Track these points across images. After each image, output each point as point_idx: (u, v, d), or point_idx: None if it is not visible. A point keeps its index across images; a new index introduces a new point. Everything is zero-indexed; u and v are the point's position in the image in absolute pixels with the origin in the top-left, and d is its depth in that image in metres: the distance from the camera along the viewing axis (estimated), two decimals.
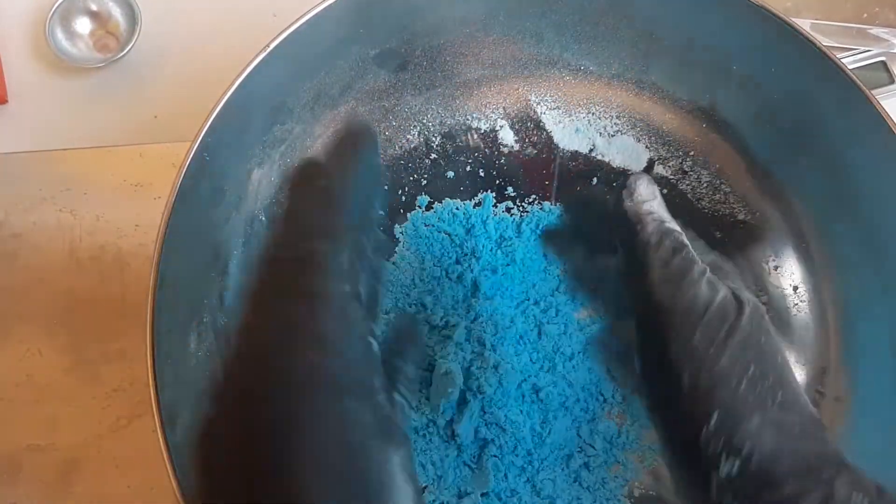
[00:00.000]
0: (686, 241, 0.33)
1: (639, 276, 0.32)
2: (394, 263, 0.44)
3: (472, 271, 0.44)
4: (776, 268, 0.41)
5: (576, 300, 0.44)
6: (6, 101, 0.47)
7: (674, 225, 0.34)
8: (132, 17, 0.46)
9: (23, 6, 0.48)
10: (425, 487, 0.40)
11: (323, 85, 0.37)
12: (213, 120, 0.31)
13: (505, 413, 0.40)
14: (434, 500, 0.39)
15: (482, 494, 0.40)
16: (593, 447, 0.41)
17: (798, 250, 0.40)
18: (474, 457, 0.41)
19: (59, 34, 0.46)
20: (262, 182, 0.36)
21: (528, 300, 0.44)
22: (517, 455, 0.40)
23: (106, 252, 0.43)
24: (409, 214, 0.44)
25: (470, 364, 0.41)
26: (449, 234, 0.45)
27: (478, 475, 0.40)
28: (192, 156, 0.30)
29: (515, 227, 0.45)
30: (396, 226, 0.44)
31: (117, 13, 0.47)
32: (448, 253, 0.45)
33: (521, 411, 0.41)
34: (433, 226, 0.45)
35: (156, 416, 0.26)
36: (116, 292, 0.41)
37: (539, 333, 0.43)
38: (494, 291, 0.44)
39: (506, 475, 0.40)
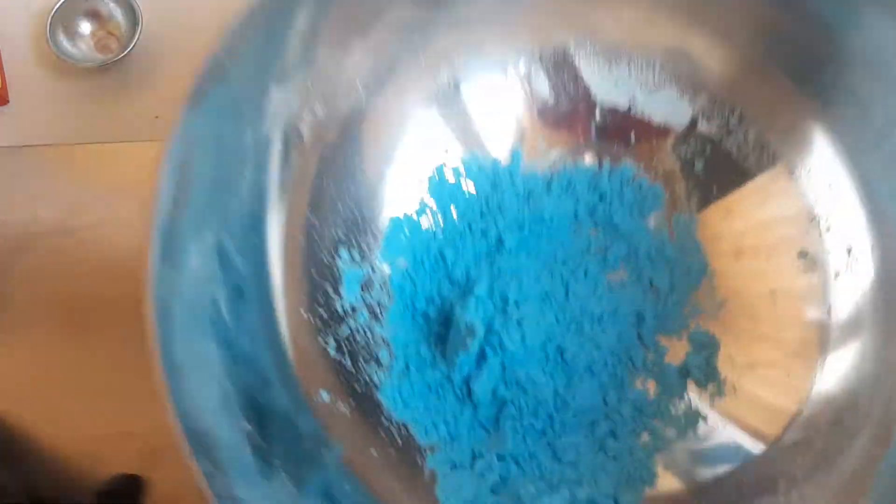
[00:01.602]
0: None
1: None
2: (414, 214, 0.41)
3: (496, 227, 0.42)
4: (829, 228, 0.38)
5: (607, 261, 0.42)
6: (7, 102, 0.47)
7: None
8: (133, 18, 0.46)
9: (23, 7, 0.48)
10: (436, 447, 0.37)
11: (353, 8, 0.35)
12: (235, 24, 0.30)
13: (527, 372, 0.38)
14: (445, 461, 0.36)
15: (498, 457, 0.37)
16: (621, 414, 0.39)
17: (856, 203, 0.37)
18: (491, 417, 0.38)
19: (60, 35, 0.46)
20: (282, 104, 0.34)
21: (556, 259, 0.42)
22: (538, 418, 0.38)
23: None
24: (433, 165, 0.42)
25: (491, 319, 0.38)
26: (474, 188, 0.43)
27: (494, 437, 0.38)
28: (212, 56, 0.29)
29: (545, 184, 0.43)
30: (420, 176, 0.41)
31: (118, 13, 0.47)
32: (472, 207, 0.42)
33: (545, 372, 0.38)
34: (458, 178, 0.42)
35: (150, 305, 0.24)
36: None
37: (566, 293, 0.40)
38: (520, 248, 0.42)
39: (524, 438, 0.38)
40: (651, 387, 0.39)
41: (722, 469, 0.37)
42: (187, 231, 0.29)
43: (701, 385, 0.39)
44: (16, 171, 0.46)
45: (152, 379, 0.25)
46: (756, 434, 0.37)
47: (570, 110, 0.43)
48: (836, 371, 0.37)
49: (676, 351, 0.40)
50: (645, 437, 0.38)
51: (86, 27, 0.47)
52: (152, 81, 0.48)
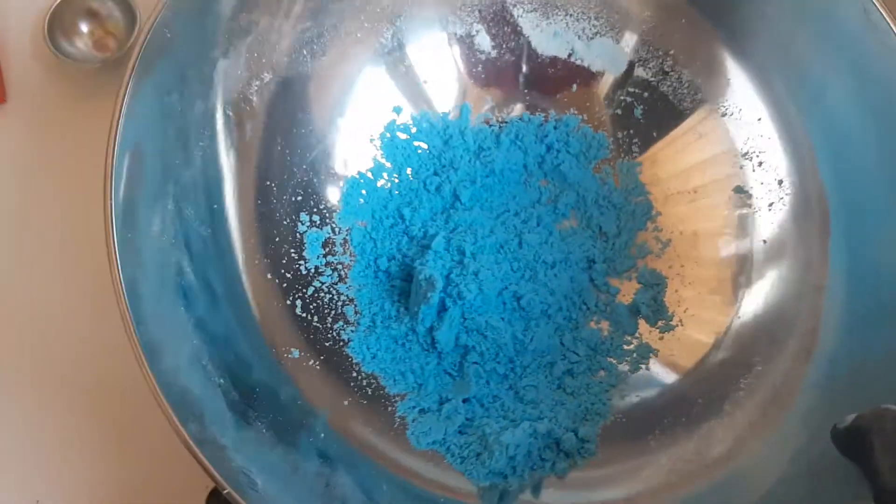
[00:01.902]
0: None
1: None
2: (370, 174, 0.42)
3: (450, 182, 0.43)
4: (761, 163, 0.40)
5: (557, 211, 0.43)
6: (5, 101, 0.47)
7: None
8: (131, 17, 0.46)
9: (21, 6, 0.48)
10: (405, 395, 0.39)
11: None
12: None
13: (486, 319, 0.39)
14: (415, 407, 0.38)
15: (464, 400, 0.39)
16: (577, 354, 0.40)
17: (783, 137, 0.39)
18: (455, 364, 0.40)
19: (58, 34, 0.46)
20: (229, 73, 0.35)
21: (508, 211, 0.43)
22: (499, 362, 0.40)
23: None
24: (384, 124, 0.43)
25: (450, 272, 0.40)
26: (426, 146, 0.44)
27: (459, 382, 0.40)
28: (151, 30, 0.29)
29: (494, 138, 0.44)
30: (371, 136, 0.43)
31: (116, 13, 0.46)
32: (426, 164, 0.44)
33: (503, 318, 0.40)
34: (409, 136, 0.43)
35: (119, 283, 0.24)
36: None
37: (520, 243, 0.42)
38: (474, 202, 0.43)
39: (488, 382, 0.39)
40: (604, 327, 0.41)
41: (665, 395, 0.40)
42: (146, 200, 0.30)
43: (650, 322, 0.41)
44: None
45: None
46: (697, 356, 0.39)
47: (513, 64, 0.44)
48: (764, 293, 0.39)
49: (626, 291, 0.42)
50: (601, 374, 0.40)
51: (84, 26, 0.47)
52: None
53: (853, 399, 0.32)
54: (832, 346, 0.34)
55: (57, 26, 0.45)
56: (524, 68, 0.44)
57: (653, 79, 0.43)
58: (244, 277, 0.36)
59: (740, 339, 0.38)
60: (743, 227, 0.41)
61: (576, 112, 0.44)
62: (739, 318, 0.39)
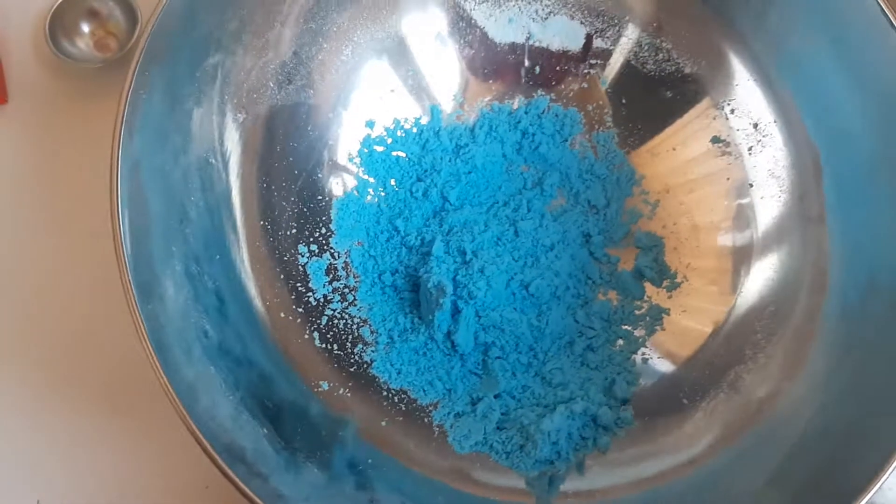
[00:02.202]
0: None
1: None
2: (356, 192, 0.42)
3: (435, 185, 0.43)
4: (732, 111, 0.41)
5: (544, 193, 0.44)
6: (6, 102, 0.46)
7: None
8: (132, 17, 0.45)
9: (22, 6, 0.48)
10: (438, 403, 0.39)
11: (246, 12, 0.36)
12: (142, 56, 0.30)
13: (500, 313, 0.40)
14: (450, 413, 0.39)
15: (495, 396, 0.39)
16: (592, 328, 0.41)
17: (751, 83, 0.40)
18: (479, 364, 0.40)
19: (59, 34, 0.45)
20: (204, 122, 0.35)
21: (497, 202, 0.44)
22: (520, 352, 0.40)
23: None
24: (359, 140, 0.43)
25: (455, 274, 0.40)
26: (405, 154, 0.44)
27: (486, 380, 0.40)
28: (127, 99, 0.29)
29: (469, 133, 0.44)
30: (350, 153, 0.42)
31: (117, 13, 0.46)
32: (408, 172, 0.44)
33: (516, 309, 0.41)
34: (386, 148, 0.43)
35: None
36: None
37: (515, 232, 0.42)
38: (462, 200, 0.44)
39: (514, 374, 0.40)
40: (613, 297, 0.42)
41: (690, 350, 0.41)
42: (157, 264, 0.29)
43: (656, 283, 0.42)
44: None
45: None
46: (714, 311, 0.41)
47: (474, 56, 0.44)
48: (766, 224, 0.40)
49: (627, 258, 0.43)
50: (619, 343, 0.41)
51: (85, 27, 0.46)
52: None
53: (869, 320, 0.33)
54: (840, 275, 0.35)
55: (58, 26, 0.45)
56: (485, 59, 0.44)
57: (612, 47, 0.43)
58: (263, 321, 0.36)
59: (749, 284, 0.39)
60: (730, 171, 0.42)
61: (544, 93, 0.44)
62: (748, 252, 0.40)
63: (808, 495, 0.27)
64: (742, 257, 0.41)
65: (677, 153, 0.43)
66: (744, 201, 0.41)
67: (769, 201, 0.41)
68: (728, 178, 0.42)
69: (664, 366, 0.40)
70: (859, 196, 0.35)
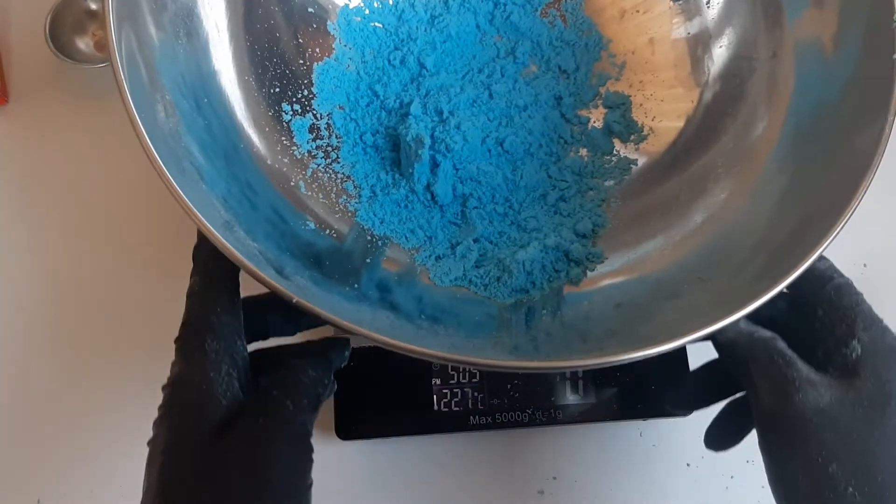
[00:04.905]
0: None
1: None
2: (335, 60, 0.44)
3: (412, 53, 0.45)
4: None
5: (517, 61, 0.46)
6: (7, 102, 0.47)
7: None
8: None
9: (22, 7, 0.48)
10: (419, 248, 0.41)
11: None
12: None
13: (476, 166, 0.42)
14: (430, 255, 0.41)
15: (474, 241, 0.41)
16: (565, 181, 0.43)
17: None
18: (458, 214, 0.42)
19: (59, 35, 0.46)
20: None
21: (472, 69, 0.46)
22: (497, 203, 0.42)
23: None
24: (337, 10, 0.45)
25: (433, 130, 0.42)
26: (381, 24, 0.46)
27: (465, 228, 0.42)
28: None
29: (443, 4, 0.46)
30: (329, 23, 0.44)
31: None
32: (385, 42, 0.45)
33: (491, 163, 0.43)
34: (363, 18, 0.45)
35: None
36: None
37: (490, 95, 0.44)
38: (439, 67, 0.45)
39: (490, 221, 0.42)
40: (584, 153, 0.44)
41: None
42: (148, 91, 0.31)
43: (624, 138, 0.44)
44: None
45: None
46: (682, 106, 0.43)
47: None
48: (722, 63, 0.43)
49: (596, 117, 0.45)
50: (590, 194, 0.43)
51: (85, 28, 0.47)
52: None
53: (817, 140, 0.36)
54: (793, 101, 0.38)
55: (58, 27, 0.46)
56: None
57: None
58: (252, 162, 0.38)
59: (708, 111, 0.42)
60: (687, 12, 0.44)
61: None
62: (704, 94, 0.43)
63: (763, 283, 0.30)
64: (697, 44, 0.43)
65: (639, 13, 0.45)
66: (702, 34, 0.44)
67: (725, 35, 0.43)
68: (688, 15, 0.44)
69: (642, 161, 0.43)
70: None
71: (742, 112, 0.40)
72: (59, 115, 0.47)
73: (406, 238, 0.41)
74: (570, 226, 0.42)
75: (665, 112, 0.44)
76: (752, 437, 0.37)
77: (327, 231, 0.40)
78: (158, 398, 0.28)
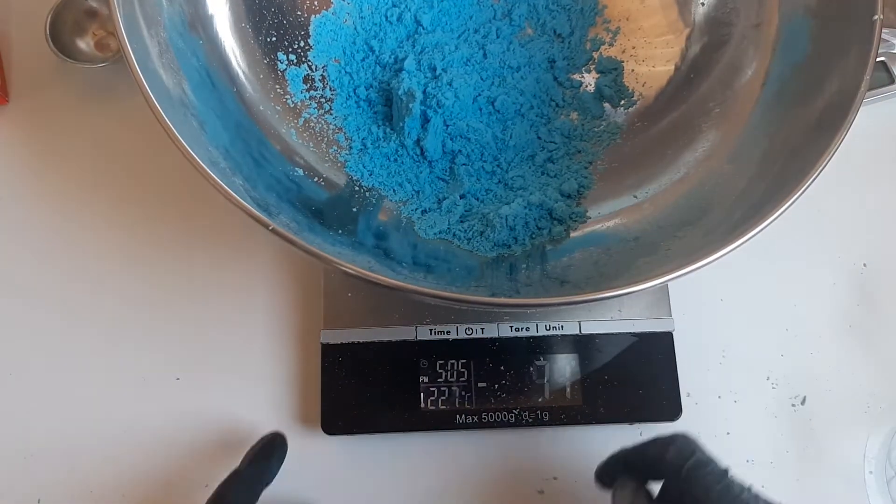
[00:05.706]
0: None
1: None
2: (333, 13, 0.45)
3: (409, 11, 0.45)
4: None
5: (513, 24, 0.46)
6: (7, 102, 0.47)
7: None
8: None
9: (23, 7, 0.48)
10: (407, 201, 0.42)
11: None
12: None
13: (467, 123, 0.43)
14: (417, 209, 0.41)
15: (461, 197, 0.42)
16: (554, 143, 0.44)
17: None
18: (446, 170, 0.43)
19: (60, 35, 0.46)
20: None
21: (468, 30, 0.46)
22: (485, 161, 0.43)
23: None
24: None
25: (425, 86, 0.43)
26: None
27: (452, 184, 0.43)
28: None
29: None
30: None
31: None
32: None
33: (481, 121, 0.43)
34: None
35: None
36: None
37: (484, 54, 0.45)
38: (435, 25, 0.46)
39: (478, 179, 0.43)
40: (574, 117, 0.45)
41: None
42: (143, 30, 0.32)
43: (614, 103, 0.45)
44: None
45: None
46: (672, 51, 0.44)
47: None
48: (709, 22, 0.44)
49: (588, 82, 0.46)
50: (578, 156, 0.44)
51: (85, 27, 0.47)
52: None
53: (798, 101, 0.36)
54: (775, 64, 0.38)
55: (58, 27, 0.46)
56: None
57: None
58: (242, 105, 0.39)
59: (695, 65, 0.43)
60: None
61: None
62: (691, 43, 0.43)
63: (734, 234, 0.30)
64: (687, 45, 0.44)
65: None
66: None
67: None
68: None
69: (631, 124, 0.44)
70: None
71: (727, 60, 0.41)
72: (59, 115, 0.47)
73: (394, 191, 0.42)
74: (556, 186, 0.43)
75: (655, 57, 0.44)
76: (752, 437, 0.39)
77: (315, 179, 0.40)
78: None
